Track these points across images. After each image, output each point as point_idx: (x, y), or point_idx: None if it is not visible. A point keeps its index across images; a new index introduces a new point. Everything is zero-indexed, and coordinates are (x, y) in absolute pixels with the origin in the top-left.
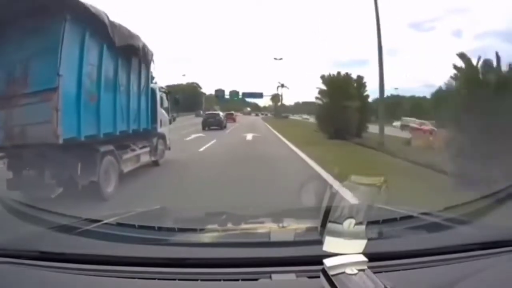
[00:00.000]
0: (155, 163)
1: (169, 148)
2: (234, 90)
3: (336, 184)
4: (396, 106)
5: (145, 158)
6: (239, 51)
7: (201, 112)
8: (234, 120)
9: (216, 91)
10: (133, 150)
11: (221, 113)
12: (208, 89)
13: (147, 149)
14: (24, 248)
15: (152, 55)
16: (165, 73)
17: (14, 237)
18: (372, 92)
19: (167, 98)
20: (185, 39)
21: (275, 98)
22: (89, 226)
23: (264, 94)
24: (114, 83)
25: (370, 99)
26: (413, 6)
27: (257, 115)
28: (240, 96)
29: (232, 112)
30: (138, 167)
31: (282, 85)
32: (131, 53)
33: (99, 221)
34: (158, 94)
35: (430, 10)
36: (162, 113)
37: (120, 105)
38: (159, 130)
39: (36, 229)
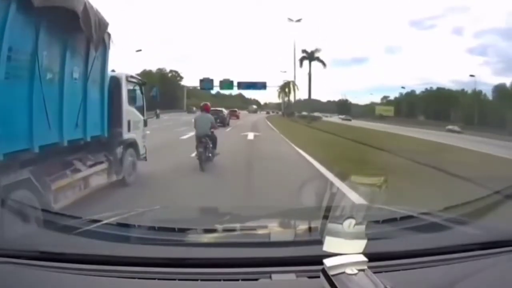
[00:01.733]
0: (122, 183)
1: (145, 158)
2: (227, 79)
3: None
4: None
5: (100, 180)
6: (232, 32)
7: (194, 108)
8: (237, 117)
9: (202, 81)
10: (75, 170)
11: (224, 110)
12: (190, 80)
13: (103, 165)
14: (24, 248)
15: (105, 26)
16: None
17: (14, 237)
18: (373, 89)
19: (141, 92)
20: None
21: (287, 87)
22: (89, 226)
23: (268, 84)
24: (30, 67)
25: (384, 96)
26: (414, 4)
27: (268, 113)
28: (234, 87)
29: (236, 109)
30: (87, 195)
31: (311, 55)
32: (68, 22)
33: (99, 221)
34: (125, 85)
35: (431, 8)
36: (131, 112)
37: (40, 103)
38: (126, 135)
39: (36, 229)
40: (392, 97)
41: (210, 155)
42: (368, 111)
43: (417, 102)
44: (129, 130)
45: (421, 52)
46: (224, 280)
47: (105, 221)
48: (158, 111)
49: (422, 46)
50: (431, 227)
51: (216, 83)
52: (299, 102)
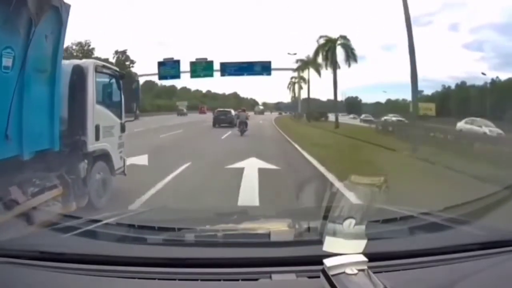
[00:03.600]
0: (89, 207)
1: (124, 173)
2: (202, 59)
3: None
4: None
5: (52, 211)
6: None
7: (184, 110)
8: (246, 118)
9: (161, 64)
10: (11, 203)
11: (232, 111)
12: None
13: (56, 191)
14: (24, 248)
15: None
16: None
17: (14, 237)
18: (371, 87)
19: (118, 87)
20: None
21: (326, 52)
22: (89, 226)
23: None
24: None
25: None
26: (411, 1)
27: (280, 113)
28: (216, 73)
29: (244, 109)
30: None
31: None
32: None
33: (99, 221)
34: (93, 78)
35: (427, 5)
36: (101, 114)
37: None
38: (93, 146)
39: (36, 229)
40: (428, 92)
41: (245, 130)
42: (384, 110)
43: (476, 98)
44: (97, 138)
45: (418, 49)
46: (224, 280)
47: (105, 221)
48: (137, 111)
49: (419, 42)
50: (431, 227)
51: (185, 67)
52: (296, 101)
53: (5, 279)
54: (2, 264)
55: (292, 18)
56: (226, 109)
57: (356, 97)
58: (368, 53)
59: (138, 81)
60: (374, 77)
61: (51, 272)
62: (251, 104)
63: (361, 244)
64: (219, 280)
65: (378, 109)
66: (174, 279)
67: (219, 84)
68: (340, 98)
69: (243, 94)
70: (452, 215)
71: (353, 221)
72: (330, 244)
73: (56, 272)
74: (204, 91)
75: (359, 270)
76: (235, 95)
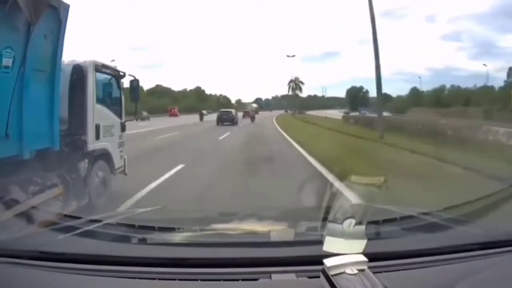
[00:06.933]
0: (89, 207)
1: (124, 172)
2: None
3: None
4: None
5: (52, 210)
6: None
7: (145, 113)
8: (254, 114)
9: None
10: (11, 202)
11: (233, 111)
12: None
13: (56, 190)
14: (24, 248)
15: None
16: None
17: (14, 237)
18: (347, 82)
19: (118, 86)
20: None
21: None
22: (89, 226)
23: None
24: None
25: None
26: None
27: (286, 111)
28: None
29: (248, 110)
30: None
31: None
32: None
33: (99, 221)
34: (93, 77)
35: None
36: (101, 114)
37: None
38: (93, 145)
39: (36, 229)
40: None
41: (253, 120)
42: (406, 102)
43: None
44: (97, 137)
45: (394, 42)
46: (224, 280)
47: (105, 221)
48: (145, 113)
49: (395, 35)
50: (431, 227)
51: None
52: (276, 98)
53: (5, 279)
54: (2, 264)
55: None
56: (227, 110)
57: (361, 88)
58: (343, 50)
59: (138, 80)
60: (348, 73)
61: (51, 272)
62: (221, 103)
63: (361, 244)
64: (219, 280)
65: (401, 103)
66: (174, 279)
67: (176, 77)
68: (321, 93)
69: (209, 89)
70: (452, 215)
71: (353, 221)
72: (330, 244)
73: (56, 272)
74: (152, 85)
75: (359, 270)
76: (197, 91)
